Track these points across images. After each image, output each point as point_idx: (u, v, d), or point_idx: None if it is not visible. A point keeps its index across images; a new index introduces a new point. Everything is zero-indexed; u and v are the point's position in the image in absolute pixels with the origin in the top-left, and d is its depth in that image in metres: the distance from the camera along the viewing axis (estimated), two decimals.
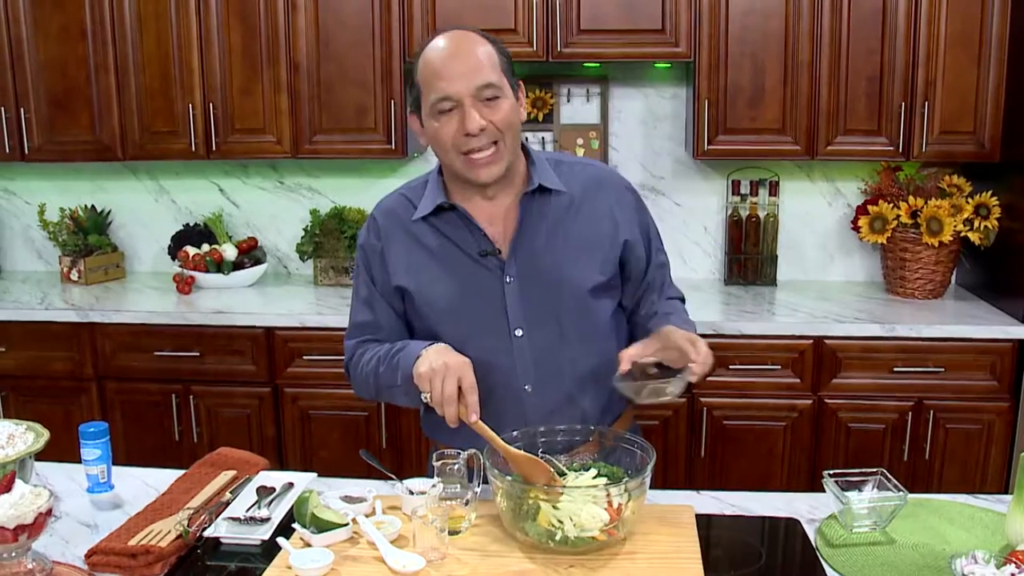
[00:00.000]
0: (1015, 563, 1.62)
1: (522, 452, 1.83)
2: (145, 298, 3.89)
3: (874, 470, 1.95)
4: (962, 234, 3.58)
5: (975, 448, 3.42)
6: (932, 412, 3.40)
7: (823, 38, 3.55)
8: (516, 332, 2.00)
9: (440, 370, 1.83)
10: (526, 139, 2.08)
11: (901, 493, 1.86)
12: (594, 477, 1.84)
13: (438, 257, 2.03)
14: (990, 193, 3.56)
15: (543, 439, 1.93)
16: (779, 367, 3.44)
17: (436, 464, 1.88)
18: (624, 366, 1.88)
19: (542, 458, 1.86)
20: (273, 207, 4.29)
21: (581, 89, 4.07)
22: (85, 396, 3.70)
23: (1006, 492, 3.30)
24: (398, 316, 2.11)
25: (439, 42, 1.94)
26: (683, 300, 2.23)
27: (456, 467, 1.87)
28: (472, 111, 1.87)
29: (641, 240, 2.12)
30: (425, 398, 1.86)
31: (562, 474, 1.86)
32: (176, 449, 3.67)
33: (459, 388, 1.83)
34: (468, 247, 2.01)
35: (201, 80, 3.80)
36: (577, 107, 4.09)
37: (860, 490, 1.92)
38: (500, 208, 2.03)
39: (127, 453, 3.59)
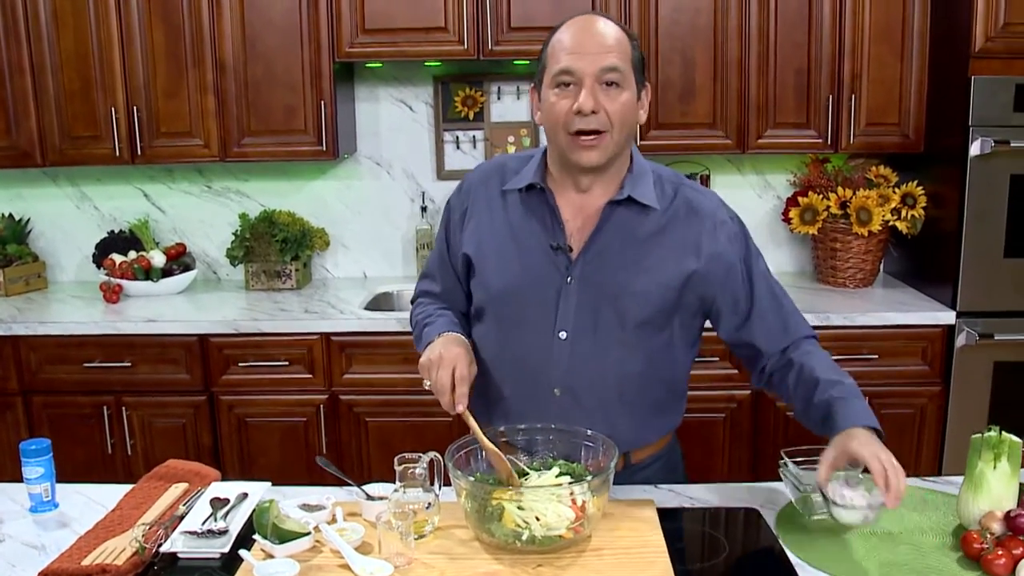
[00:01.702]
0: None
1: (493, 447, 1.83)
2: (71, 308, 3.77)
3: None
4: (890, 223, 3.66)
5: (909, 432, 3.51)
6: (867, 399, 3.45)
7: (751, 33, 3.60)
8: (560, 334, 1.95)
9: (435, 361, 1.89)
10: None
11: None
12: (557, 475, 1.83)
13: (512, 235, 2.00)
14: (916, 183, 3.65)
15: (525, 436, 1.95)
16: (717, 359, 3.47)
17: (398, 468, 1.85)
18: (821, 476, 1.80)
19: (506, 458, 1.85)
20: (200, 212, 4.20)
21: (511, 87, 4.06)
22: (10, 412, 3.56)
23: (939, 474, 3.41)
24: (458, 281, 2.14)
25: (576, 20, 1.92)
26: (816, 339, 2.10)
27: (417, 471, 1.85)
28: (588, 91, 1.84)
29: (738, 274, 2.00)
30: (427, 385, 1.90)
31: (523, 474, 1.85)
32: (110, 462, 3.57)
33: (454, 378, 1.87)
34: (543, 236, 1.98)
35: (123, 81, 3.69)
36: (508, 105, 4.08)
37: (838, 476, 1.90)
38: (588, 206, 1.97)
39: (58, 468, 3.44)
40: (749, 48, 3.61)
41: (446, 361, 1.87)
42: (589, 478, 1.75)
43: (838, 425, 1.86)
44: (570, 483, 1.76)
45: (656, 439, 2.12)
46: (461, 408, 1.85)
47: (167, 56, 3.67)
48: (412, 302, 2.27)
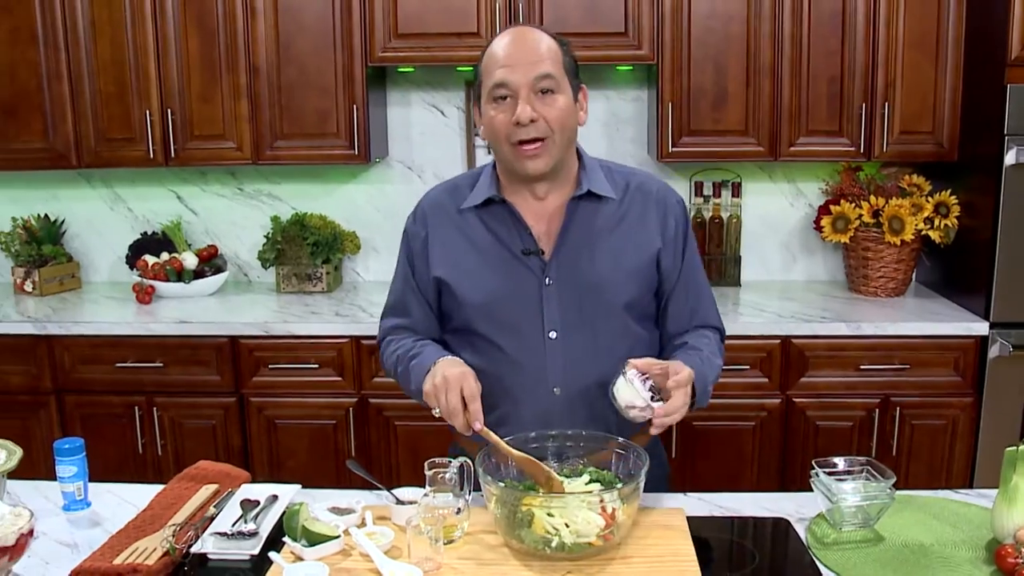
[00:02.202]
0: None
1: (522, 454, 1.82)
2: (104, 309, 3.81)
3: (862, 460, 1.96)
4: (923, 232, 3.63)
5: (941, 443, 3.47)
6: (898, 409, 3.44)
7: (784, 40, 3.59)
8: (550, 335, 2.00)
9: (441, 385, 1.86)
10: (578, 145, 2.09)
11: (889, 491, 1.87)
12: (587, 483, 1.83)
13: (481, 250, 2.03)
14: (949, 192, 3.61)
15: (553, 443, 1.93)
16: (747, 367, 3.46)
17: (428, 473, 1.86)
18: (623, 366, 1.87)
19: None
20: (233, 214, 4.23)
21: None
22: (44, 411, 3.61)
23: (971, 486, 3.38)
24: (430, 308, 2.13)
25: (506, 34, 1.97)
26: (721, 332, 2.20)
27: (447, 475, 1.85)
28: (525, 102, 1.88)
29: (673, 254, 2.08)
30: (436, 413, 1.88)
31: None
32: (140, 462, 3.60)
33: (464, 397, 1.85)
34: (512, 244, 2.01)
35: (158, 86, 3.72)
36: None
37: (845, 479, 1.93)
38: (548, 208, 2.03)
39: (90, 467, 3.48)
40: (782, 55, 3.60)
41: (452, 383, 1.85)
42: (620, 486, 1.75)
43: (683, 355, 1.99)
44: (601, 490, 1.76)
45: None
46: (479, 426, 1.84)
47: (201, 61, 3.70)
48: (380, 342, 2.23)
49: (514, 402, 2.03)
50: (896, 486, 1.90)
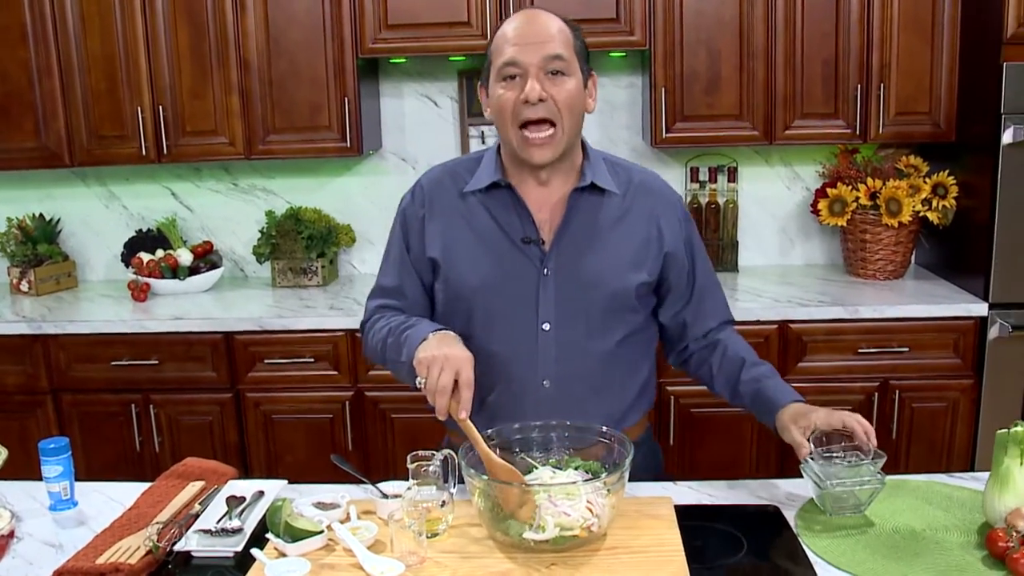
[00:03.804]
0: None
1: (501, 461, 1.78)
2: (99, 307, 3.80)
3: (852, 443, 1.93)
4: (921, 214, 3.60)
5: (941, 426, 3.45)
6: (898, 392, 3.41)
7: (778, 23, 3.56)
8: (543, 326, 1.97)
9: (440, 359, 1.76)
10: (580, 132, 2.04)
11: (879, 476, 1.85)
12: (574, 469, 1.81)
13: (480, 235, 2.00)
14: (947, 173, 3.58)
15: (538, 433, 1.91)
16: None
17: (411, 466, 1.84)
18: (805, 451, 1.88)
19: (517, 456, 1.85)
20: (227, 210, 4.22)
21: None
22: (40, 410, 3.61)
23: (973, 469, 3.35)
24: (424, 289, 2.09)
25: (517, 15, 1.95)
26: (733, 323, 2.22)
27: (431, 468, 1.84)
28: (534, 80, 1.86)
29: (684, 255, 2.08)
30: (420, 383, 1.79)
31: (530, 470, 1.83)
32: (137, 460, 3.60)
33: (455, 381, 1.77)
34: (512, 231, 1.98)
35: (149, 82, 3.71)
36: None
37: (833, 460, 1.90)
38: (551, 197, 2.00)
39: (87, 466, 3.51)
40: (776, 38, 3.57)
41: (450, 362, 1.75)
42: (604, 476, 1.73)
43: (776, 401, 2.00)
44: (585, 481, 1.74)
45: (639, 419, 2.14)
46: (464, 415, 1.77)
47: (192, 55, 3.69)
48: (365, 323, 2.14)
49: (502, 392, 2.01)
50: (896, 470, 1.88)
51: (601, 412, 1.98)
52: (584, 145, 2.04)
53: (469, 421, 1.78)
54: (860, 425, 1.88)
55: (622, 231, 2.01)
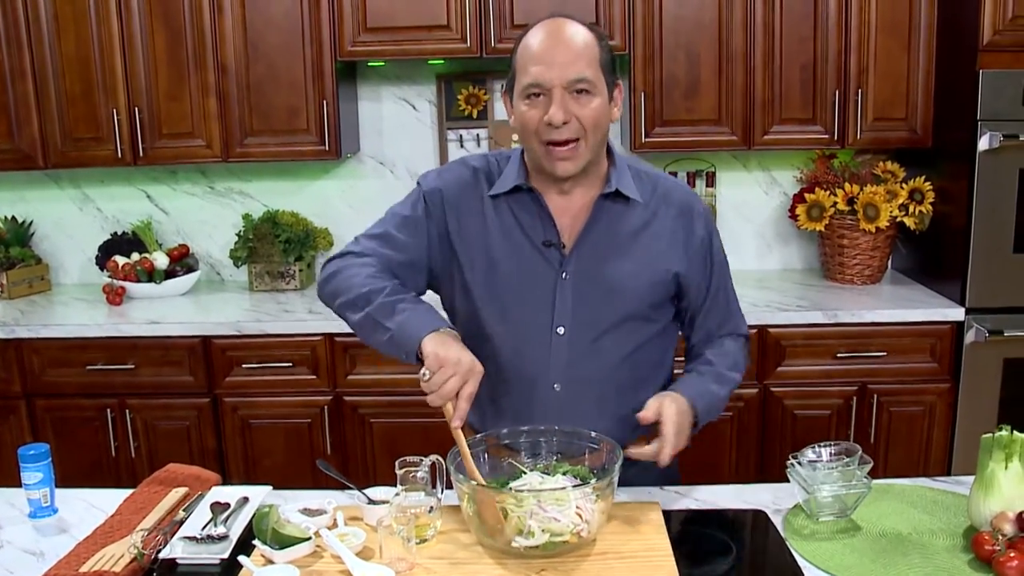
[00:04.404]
0: None
1: (479, 478, 1.78)
2: (74, 311, 3.76)
3: (840, 447, 1.94)
4: (898, 219, 3.63)
5: (918, 430, 3.47)
6: (876, 396, 3.43)
7: (756, 28, 3.57)
8: (558, 330, 1.96)
9: (453, 363, 1.74)
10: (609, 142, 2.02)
11: (866, 480, 1.86)
12: (563, 475, 1.81)
13: (502, 235, 1.98)
14: (924, 178, 3.61)
15: (526, 439, 1.91)
16: None
17: (399, 472, 1.83)
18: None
19: (505, 461, 1.85)
20: (203, 213, 4.18)
21: None
22: (14, 416, 3.55)
23: (949, 472, 3.38)
24: (423, 262, 2.03)
25: (542, 27, 1.89)
26: (747, 338, 2.21)
27: (419, 474, 1.82)
28: (559, 103, 1.83)
29: (701, 267, 2.06)
30: (424, 377, 1.75)
31: (517, 476, 1.83)
32: (113, 465, 3.55)
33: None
34: (534, 234, 1.97)
35: (125, 84, 3.67)
36: None
37: (820, 466, 1.91)
38: (575, 203, 1.98)
39: (62, 472, 3.41)
40: (754, 43, 3.58)
41: (461, 370, 1.74)
42: (593, 481, 1.73)
43: (673, 387, 1.99)
44: (575, 487, 1.74)
45: (644, 432, 2.09)
46: (458, 424, 1.76)
47: (168, 57, 3.65)
48: (342, 255, 2.05)
49: (512, 394, 2.00)
50: (875, 474, 1.88)
51: (612, 418, 1.97)
52: (611, 151, 2.01)
53: (460, 431, 1.77)
54: (658, 441, 1.87)
55: (644, 240, 1.99)
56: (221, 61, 3.64)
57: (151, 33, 3.63)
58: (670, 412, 1.87)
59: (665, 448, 1.85)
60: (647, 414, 1.86)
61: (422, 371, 1.77)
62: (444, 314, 2.00)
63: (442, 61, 3.95)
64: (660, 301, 2.03)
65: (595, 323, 1.97)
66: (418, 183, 2.08)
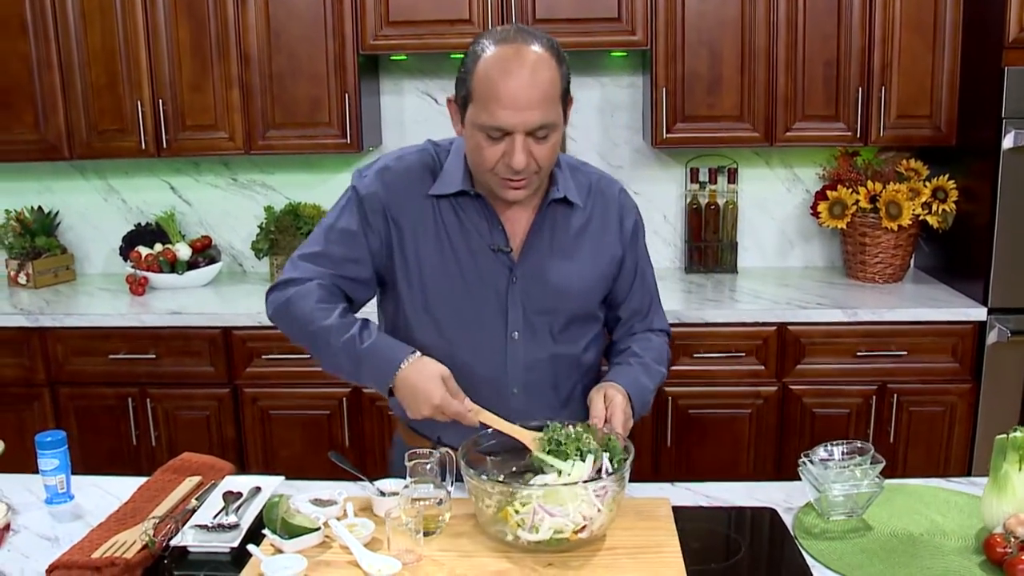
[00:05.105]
0: None
1: (528, 438, 1.83)
2: (97, 301, 3.79)
3: (852, 446, 1.93)
4: (920, 218, 3.60)
5: (939, 430, 3.44)
6: (896, 396, 3.41)
7: (779, 24, 3.55)
8: (513, 334, 1.97)
9: (409, 398, 1.82)
10: None
11: (878, 480, 1.85)
12: (594, 459, 1.79)
13: (450, 238, 1.96)
14: (947, 176, 3.58)
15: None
16: (743, 354, 3.43)
17: (408, 464, 1.83)
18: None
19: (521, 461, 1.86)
20: (226, 204, 4.21)
21: None
22: (38, 403, 3.60)
23: (970, 473, 3.35)
24: (371, 273, 2.00)
25: (504, 58, 1.79)
26: (668, 334, 2.22)
27: (428, 466, 1.83)
28: (520, 149, 1.79)
29: (630, 266, 2.10)
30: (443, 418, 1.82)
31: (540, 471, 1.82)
32: (134, 454, 3.59)
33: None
34: (483, 238, 1.96)
35: (150, 76, 3.70)
36: None
37: (831, 464, 1.91)
38: (520, 209, 1.98)
39: (83, 460, 3.50)
40: (777, 39, 3.56)
41: (419, 398, 1.80)
42: (608, 476, 1.71)
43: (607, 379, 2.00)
44: (586, 481, 1.73)
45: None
46: (472, 416, 1.82)
47: (192, 50, 3.68)
48: (288, 281, 2.01)
49: (472, 400, 1.94)
50: (894, 474, 1.88)
51: (571, 419, 1.93)
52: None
53: (479, 410, 1.82)
54: (602, 411, 1.89)
55: (586, 242, 2.02)
56: (244, 52, 3.66)
57: (175, 25, 3.66)
58: (619, 401, 1.90)
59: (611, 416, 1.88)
60: (598, 412, 1.88)
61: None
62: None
63: (464, 55, 3.94)
64: (607, 293, 2.08)
65: (548, 325, 1.99)
66: (353, 186, 2.00)
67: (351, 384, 3.52)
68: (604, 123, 4.06)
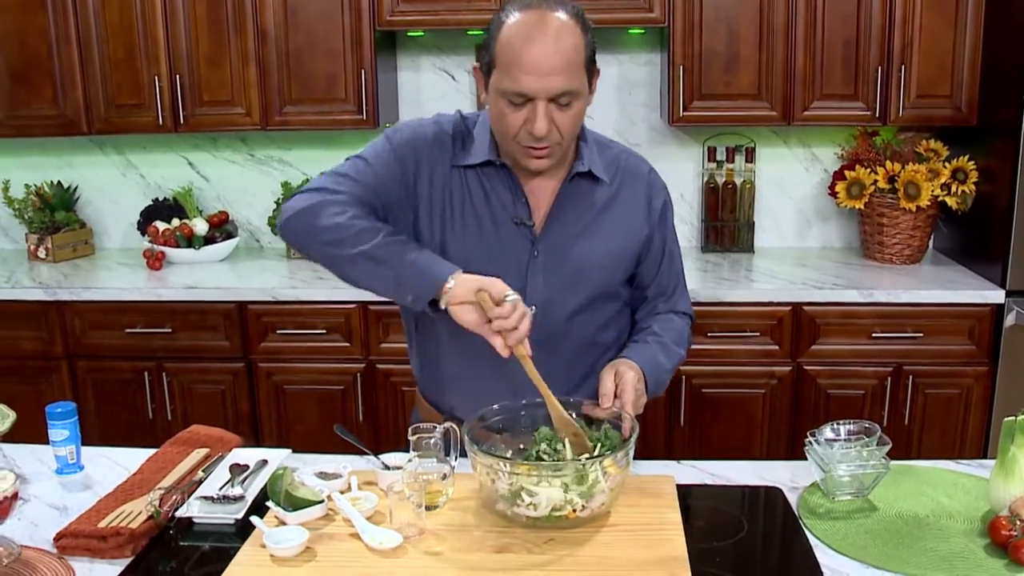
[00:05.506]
0: None
1: (563, 413, 1.82)
2: (115, 275, 3.82)
3: (859, 426, 1.92)
4: (940, 199, 3.56)
5: (954, 413, 3.42)
6: (911, 377, 3.39)
7: (798, 2, 3.51)
8: (531, 308, 1.91)
9: (513, 299, 1.74)
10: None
11: (884, 460, 1.84)
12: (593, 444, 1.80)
13: (474, 208, 1.95)
14: (967, 157, 3.54)
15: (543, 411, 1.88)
16: (758, 334, 3.42)
17: (412, 438, 1.84)
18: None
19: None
20: (243, 180, 4.22)
21: None
22: (55, 375, 3.64)
23: (985, 456, 3.33)
24: (406, 207, 1.96)
25: (529, 23, 1.78)
26: (692, 318, 2.19)
27: (432, 441, 1.84)
28: (543, 116, 1.77)
29: (658, 246, 2.08)
30: (502, 305, 1.73)
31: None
32: (150, 427, 3.62)
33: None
34: (506, 209, 1.95)
35: (167, 51, 3.71)
36: None
37: (837, 445, 1.90)
38: (544, 182, 1.97)
39: (100, 432, 3.54)
40: (796, 17, 3.52)
41: (521, 305, 1.75)
42: (610, 453, 1.71)
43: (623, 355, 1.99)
44: (588, 458, 1.73)
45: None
46: (529, 351, 1.78)
47: (209, 25, 3.68)
48: (316, 188, 1.92)
49: (487, 374, 1.95)
50: (909, 456, 1.87)
51: (585, 395, 1.95)
52: (583, 130, 1.98)
53: (525, 356, 1.79)
54: (611, 387, 1.86)
55: (611, 219, 2.00)
56: (261, 28, 3.66)
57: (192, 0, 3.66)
58: (630, 378, 1.87)
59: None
60: (607, 388, 1.85)
61: (495, 311, 1.73)
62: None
63: (482, 31, 3.93)
64: (629, 273, 2.06)
65: (567, 301, 1.98)
66: (386, 136, 1.98)
67: (365, 360, 3.53)
68: (621, 101, 4.03)
